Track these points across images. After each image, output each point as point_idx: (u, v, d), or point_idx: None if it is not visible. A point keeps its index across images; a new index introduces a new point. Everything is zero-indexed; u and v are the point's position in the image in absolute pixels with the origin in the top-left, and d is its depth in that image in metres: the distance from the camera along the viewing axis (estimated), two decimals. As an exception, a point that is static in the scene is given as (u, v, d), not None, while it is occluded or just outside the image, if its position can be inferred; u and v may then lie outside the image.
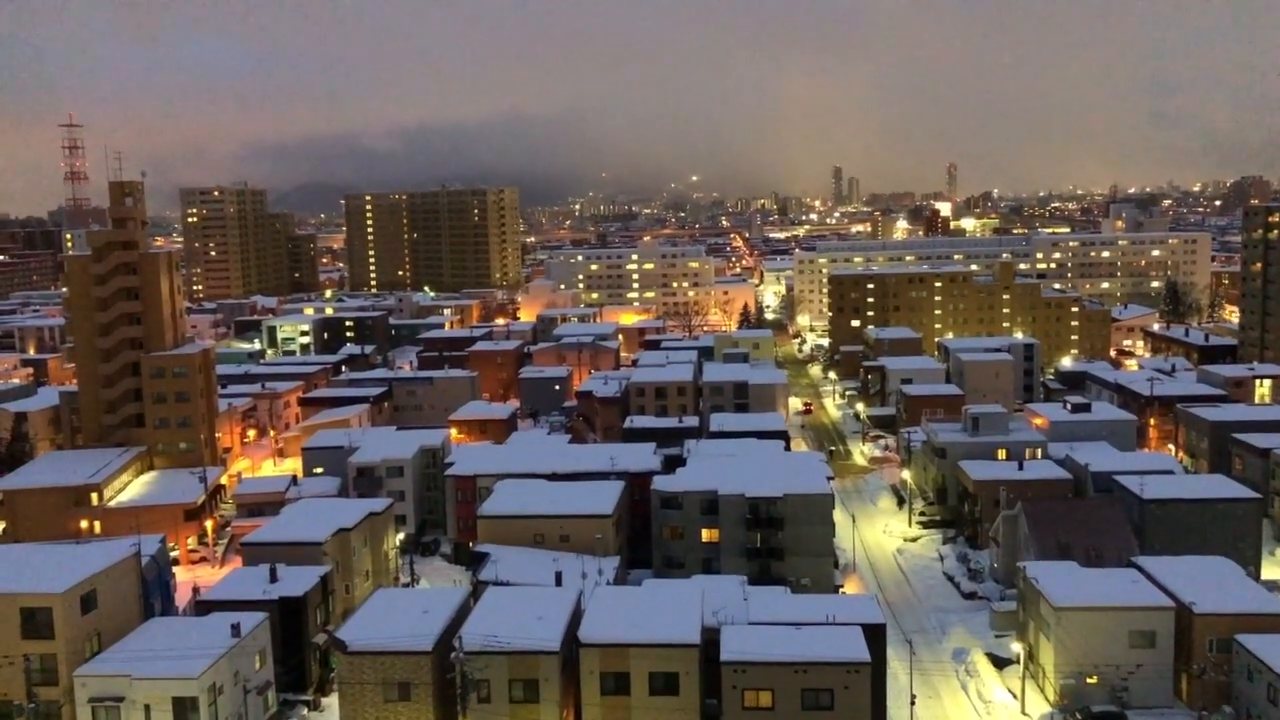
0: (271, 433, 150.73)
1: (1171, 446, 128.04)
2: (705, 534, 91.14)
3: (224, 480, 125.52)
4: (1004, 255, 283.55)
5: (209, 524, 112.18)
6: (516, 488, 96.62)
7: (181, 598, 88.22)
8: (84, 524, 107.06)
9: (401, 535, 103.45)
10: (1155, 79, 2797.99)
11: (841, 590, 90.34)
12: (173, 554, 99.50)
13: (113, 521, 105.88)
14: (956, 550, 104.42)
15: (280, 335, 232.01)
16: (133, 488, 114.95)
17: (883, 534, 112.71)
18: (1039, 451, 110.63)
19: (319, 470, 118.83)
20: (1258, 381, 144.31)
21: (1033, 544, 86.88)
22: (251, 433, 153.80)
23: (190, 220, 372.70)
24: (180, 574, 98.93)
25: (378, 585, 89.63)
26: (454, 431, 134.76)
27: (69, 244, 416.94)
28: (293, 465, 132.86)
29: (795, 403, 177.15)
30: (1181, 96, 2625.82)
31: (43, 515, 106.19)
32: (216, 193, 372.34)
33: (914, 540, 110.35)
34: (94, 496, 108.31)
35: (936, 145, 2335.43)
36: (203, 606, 75.69)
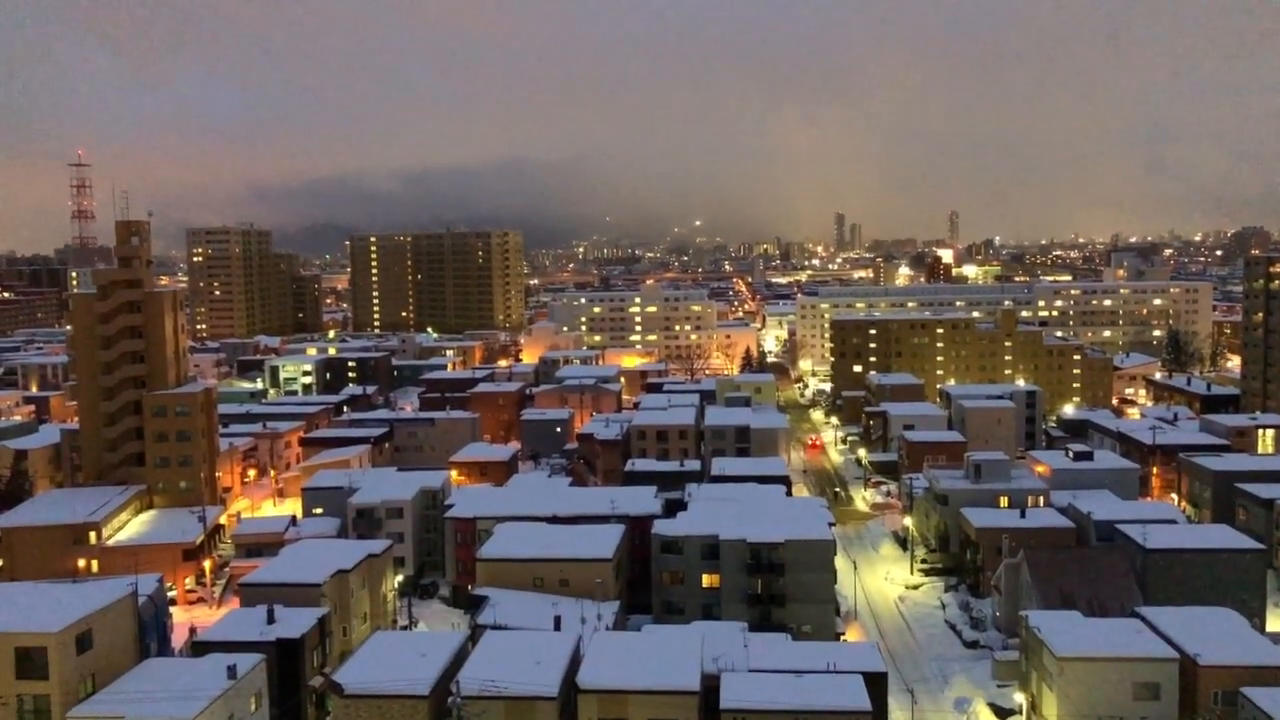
0: (272, 472, 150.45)
1: (1174, 496, 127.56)
2: (706, 579, 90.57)
3: (223, 520, 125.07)
4: (1006, 302, 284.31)
5: (207, 564, 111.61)
6: (516, 530, 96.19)
7: (178, 638, 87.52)
8: (82, 563, 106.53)
9: (400, 577, 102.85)
10: (1148, 129, 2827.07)
11: (842, 638, 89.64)
12: (170, 594, 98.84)
13: (111, 560, 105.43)
14: (958, 598, 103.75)
15: (283, 375, 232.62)
16: (131, 526, 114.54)
17: (884, 581, 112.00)
18: (1041, 499, 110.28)
19: (319, 511, 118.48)
20: (1260, 431, 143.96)
21: (1035, 593, 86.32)
22: (252, 472, 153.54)
23: (196, 259, 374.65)
24: (177, 614, 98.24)
25: (375, 628, 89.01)
26: (454, 473, 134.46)
27: (74, 282, 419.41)
28: (293, 505, 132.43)
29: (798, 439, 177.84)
30: (1176, 147, 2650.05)
31: (40, 553, 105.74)
32: (223, 232, 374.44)
33: (916, 588, 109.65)
34: (92, 535, 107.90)
35: (938, 193, 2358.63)
36: (199, 647, 75.03)
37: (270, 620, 76.96)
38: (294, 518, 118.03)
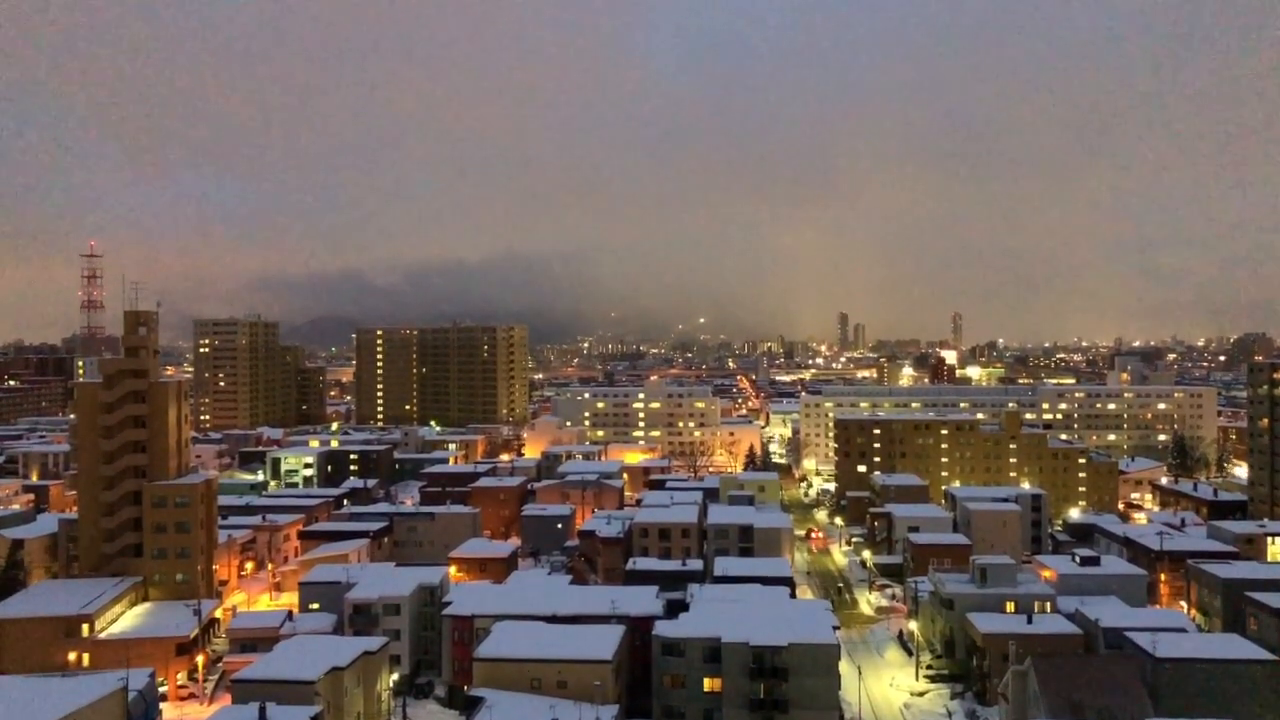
0: (269, 566, 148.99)
1: (1183, 603, 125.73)
2: (707, 683, 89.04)
3: (219, 613, 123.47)
4: (1010, 404, 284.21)
5: (200, 659, 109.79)
6: (514, 629, 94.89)
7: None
8: (73, 656, 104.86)
9: (395, 676, 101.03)
10: (1139, 237, 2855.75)
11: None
12: (161, 689, 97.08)
13: (103, 654, 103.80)
14: (965, 706, 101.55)
15: (284, 467, 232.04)
16: (125, 619, 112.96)
17: (889, 687, 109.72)
18: (1048, 605, 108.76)
19: (315, 606, 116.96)
20: (1270, 539, 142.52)
21: (1043, 702, 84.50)
22: (249, 565, 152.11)
23: (202, 350, 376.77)
24: (167, 711, 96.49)
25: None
26: (453, 569, 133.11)
27: (81, 371, 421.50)
28: (290, 599, 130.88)
29: (797, 531, 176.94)
30: (1168, 254, 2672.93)
31: (31, 646, 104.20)
32: (230, 323, 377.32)
33: (921, 695, 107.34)
34: (85, 627, 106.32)
35: (940, 295, 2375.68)
36: (187, 746, 73.61)
37: (261, 719, 75.46)
38: (290, 612, 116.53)
